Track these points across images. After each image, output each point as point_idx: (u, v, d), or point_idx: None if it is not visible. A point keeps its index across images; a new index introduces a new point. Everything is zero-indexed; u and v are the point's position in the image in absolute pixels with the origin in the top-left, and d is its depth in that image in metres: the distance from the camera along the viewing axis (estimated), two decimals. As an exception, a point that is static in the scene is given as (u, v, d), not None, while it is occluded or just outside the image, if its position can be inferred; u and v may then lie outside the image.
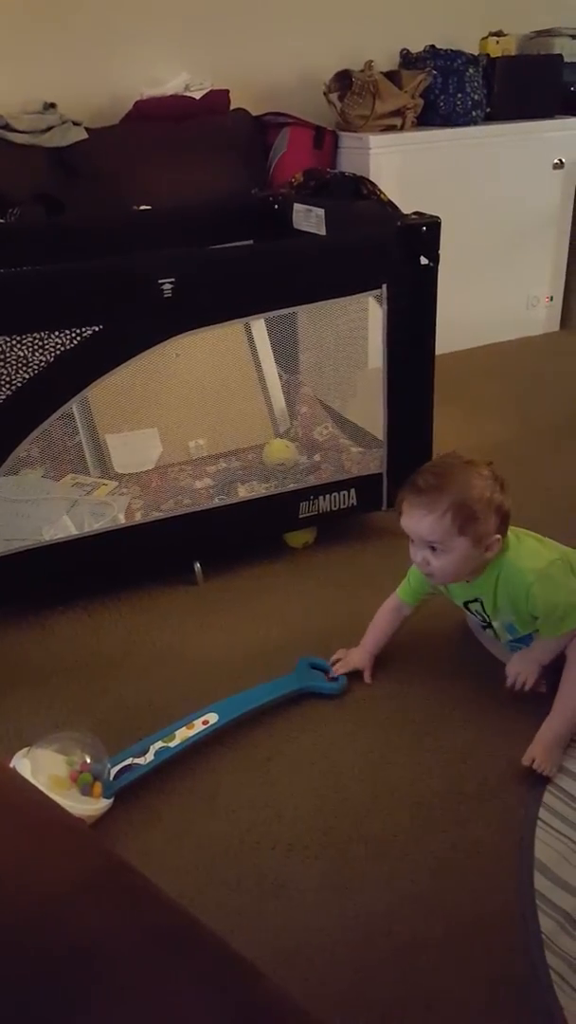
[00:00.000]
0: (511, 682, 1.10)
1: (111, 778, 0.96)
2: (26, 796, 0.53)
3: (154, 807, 0.98)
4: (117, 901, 0.43)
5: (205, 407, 1.50)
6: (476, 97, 2.32)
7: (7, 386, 1.17)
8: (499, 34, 2.51)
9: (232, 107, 2.23)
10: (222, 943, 0.42)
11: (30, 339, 1.16)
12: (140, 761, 0.99)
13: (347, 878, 0.89)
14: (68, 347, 1.18)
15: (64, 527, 1.32)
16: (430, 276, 1.35)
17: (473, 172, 2.32)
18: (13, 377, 1.17)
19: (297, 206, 1.63)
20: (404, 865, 0.90)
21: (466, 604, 1.13)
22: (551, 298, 2.60)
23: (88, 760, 0.95)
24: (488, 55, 2.41)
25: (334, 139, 2.30)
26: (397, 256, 1.33)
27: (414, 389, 1.43)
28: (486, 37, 2.51)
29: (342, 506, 1.46)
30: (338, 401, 1.68)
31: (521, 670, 1.09)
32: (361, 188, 1.85)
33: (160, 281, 1.19)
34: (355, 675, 1.16)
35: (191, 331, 1.25)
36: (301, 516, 1.44)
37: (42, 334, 1.16)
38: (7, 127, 1.97)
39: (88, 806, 0.92)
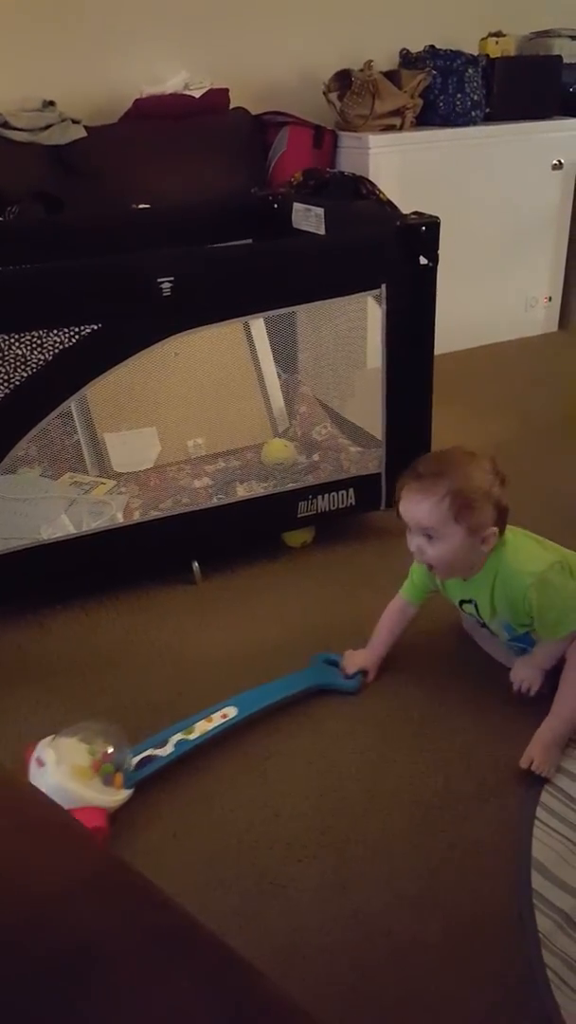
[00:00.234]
0: (516, 688, 1.10)
1: (132, 768, 0.97)
2: (24, 795, 0.53)
3: (153, 806, 0.98)
4: (116, 901, 0.43)
5: (204, 406, 1.50)
6: (475, 97, 2.32)
7: (5, 384, 1.17)
8: (498, 35, 2.51)
9: (232, 106, 2.23)
10: (221, 943, 0.42)
11: (28, 337, 1.16)
12: (160, 752, 0.99)
13: (345, 878, 0.89)
14: (67, 346, 1.18)
15: (62, 526, 1.32)
16: (429, 276, 1.35)
17: (472, 172, 2.33)
18: (11, 376, 1.17)
19: (296, 205, 1.63)
20: (402, 865, 0.90)
21: (461, 603, 1.13)
22: (550, 299, 2.61)
23: (110, 750, 0.95)
24: (487, 55, 2.41)
25: (333, 138, 2.30)
26: (396, 256, 1.33)
27: (413, 389, 1.43)
28: (485, 38, 2.51)
29: (340, 506, 1.46)
30: (337, 401, 1.68)
31: (525, 677, 1.09)
32: (360, 188, 1.85)
33: (159, 280, 1.19)
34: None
35: (190, 330, 1.25)
36: (299, 515, 1.44)
37: (40, 332, 1.16)
38: (6, 125, 1.97)
39: (109, 796, 0.92)
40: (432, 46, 2.34)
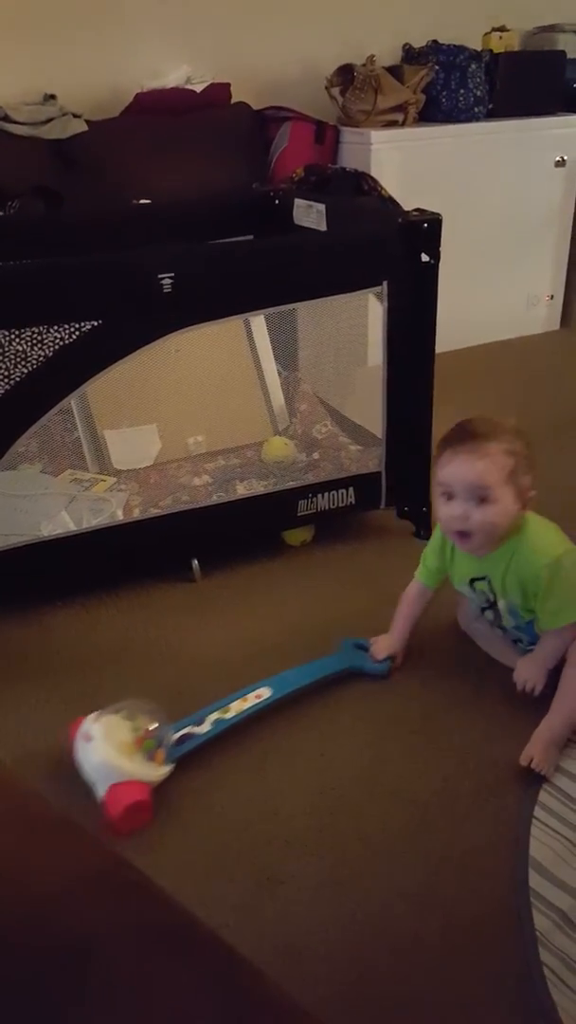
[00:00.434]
0: (520, 687, 1.10)
1: (173, 744, 1.00)
2: (22, 793, 0.53)
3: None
4: (116, 899, 0.43)
5: (204, 404, 1.50)
6: (478, 93, 2.30)
7: (5, 380, 1.17)
8: (502, 29, 2.49)
9: (233, 101, 2.22)
10: (221, 942, 0.42)
11: (29, 333, 1.15)
12: (198, 730, 1.02)
13: (344, 876, 0.89)
14: (67, 342, 1.17)
15: (62, 523, 1.32)
16: (431, 273, 1.35)
17: (474, 169, 2.31)
18: (11, 372, 1.16)
19: (298, 201, 1.63)
20: (401, 863, 0.90)
21: (472, 582, 1.12)
22: (551, 296, 2.60)
23: (152, 727, 0.98)
24: (491, 51, 2.39)
25: (335, 134, 2.29)
26: (398, 253, 1.32)
27: (414, 387, 1.42)
28: (489, 32, 2.49)
29: (340, 504, 1.46)
30: (337, 399, 1.68)
31: (529, 676, 1.09)
32: (362, 184, 1.84)
33: (160, 276, 1.18)
34: (352, 675, 1.16)
35: (190, 327, 1.24)
36: (299, 514, 1.44)
37: (41, 328, 1.15)
38: (6, 118, 1.96)
39: (152, 771, 0.96)
40: (435, 41, 2.33)
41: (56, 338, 1.17)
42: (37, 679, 1.19)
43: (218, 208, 1.70)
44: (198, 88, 2.15)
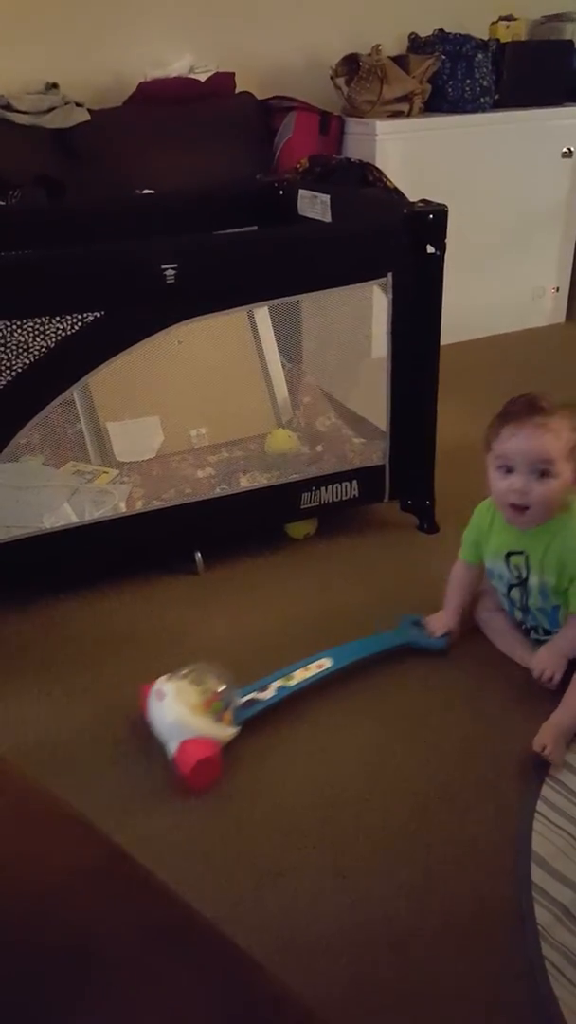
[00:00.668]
0: (537, 675, 1.09)
1: (239, 707, 1.03)
2: (22, 786, 0.53)
3: (150, 794, 0.98)
4: (117, 893, 0.43)
5: (207, 396, 1.49)
6: (485, 83, 2.28)
7: (7, 372, 1.16)
8: (509, 18, 2.46)
9: (237, 90, 2.20)
10: (222, 936, 0.41)
11: (31, 324, 1.15)
12: (262, 696, 1.06)
13: (345, 869, 0.89)
14: (69, 333, 1.16)
15: (65, 515, 1.32)
16: (436, 265, 1.33)
17: (481, 160, 2.29)
18: (13, 363, 1.16)
19: (302, 192, 1.61)
20: (402, 857, 0.90)
21: (508, 555, 1.12)
22: (557, 289, 2.58)
23: (220, 688, 1.02)
24: (498, 40, 2.37)
25: (340, 124, 2.27)
26: (403, 244, 1.31)
27: (418, 380, 1.41)
28: (496, 21, 2.47)
29: (344, 497, 1.45)
30: (341, 391, 1.67)
31: (548, 664, 1.09)
32: (367, 175, 1.82)
33: (163, 267, 1.17)
34: (352, 667, 1.16)
35: (194, 318, 1.23)
36: (303, 507, 1.43)
37: (43, 319, 1.15)
38: (8, 107, 1.94)
39: (221, 731, 1.00)
40: (441, 30, 2.30)
41: (58, 329, 1.16)
42: (39, 672, 1.19)
43: (222, 198, 1.69)
44: (202, 77, 2.13)
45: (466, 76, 2.25)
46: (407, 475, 1.48)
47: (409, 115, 2.23)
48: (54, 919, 0.39)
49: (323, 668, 1.11)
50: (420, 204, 1.33)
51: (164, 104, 2.08)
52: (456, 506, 1.50)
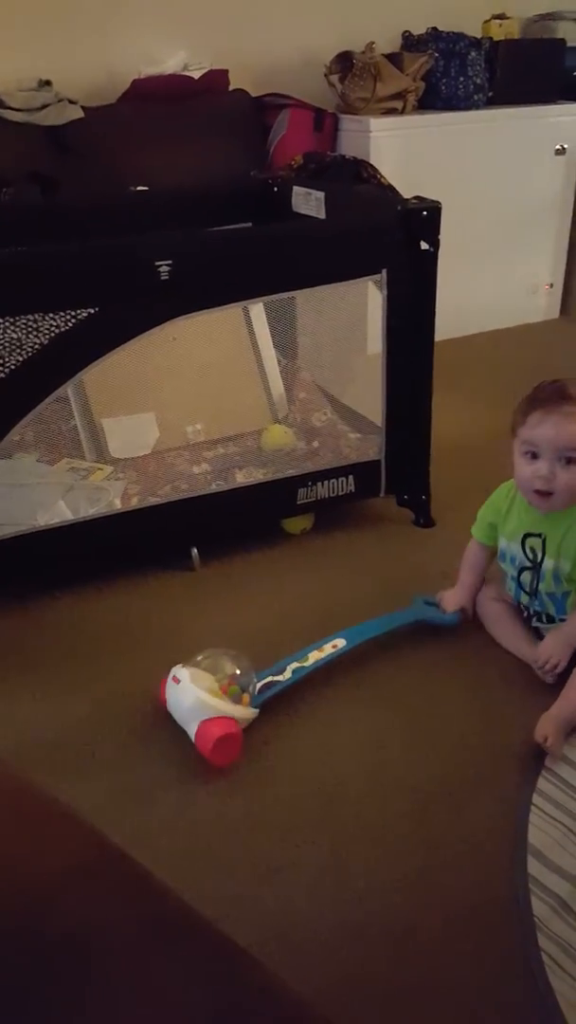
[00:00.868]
0: (542, 663, 1.09)
1: (256, 691, 1.05)
2: (16, 783, 0.53)
3: (148, 790, 0.98)
4: (111, 889, 0.42)
5: (203, 392, 1.49)
6: (478, 81, 2.28)
7: (1, 368, 1.16)
8: (502, 17, 2.47)
9: (231, 87, 2.20)
10: (218, 932, 0.41)
11: (24, 321, 1.14)
12: (280, 678, 1.08)
13: (343, 863, 0.89)
14: (63, 330, 1.16)
15: (60, 512, 1.31)
16: (430, 261, 1.33)
17: (474, 157, 2.30)
18: (7, 360, 1.15)
19: (296, 189, 1.61)
20: (400, 851, 0.90)
21: (525, 537, 1.12)
22: (551, 285, 2.59)
23: (236, 672, 1.04)
24: (491, 38, 2.37)
25: (334, 122, 2.27)
26: (397, 241, 1.31)
27: (413, 376, 1.41)
28: (489, 20, 2.47)
29: (340, 492, 1.45)
30: (337, 387, 1.67)
31: (554, 652, 1.08)
32: (361, 172, 1.82)
33: (157, 263, 1.17)
34: (351, 662, 1.16)
35: (188, 315, 1.23)
36: (299, 502, 1.43)
37: (36, 316, 1.14)
38: (1, 104, 1.94)
39: (241, 711, 1.01)
40: (435, 28, 2.30)
41: (52, 325, 1.16)
42: (36, 669, 1.19)
43: (216, 195, 1.69)
44: (196, 75, 2.13)
45: (459, 74, 2.26)
46: (403, 470, 1.48)
47: (403, 112, 2.24)
48: (47, 916, 0.39)
49: (337, 648, 1.12)
50: (414, 201, 1.33)
51: (158, 101, 2.07)
52: (452, 501, 1.51)
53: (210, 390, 1.50)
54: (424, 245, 1.32)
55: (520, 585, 1.15)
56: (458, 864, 0.89)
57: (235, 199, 1.68)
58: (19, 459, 1.40)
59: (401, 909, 0.84)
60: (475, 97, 2.29)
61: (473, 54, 2.26)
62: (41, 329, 1.15)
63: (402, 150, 2.18)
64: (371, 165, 1.88)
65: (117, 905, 0.41)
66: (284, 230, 1.47)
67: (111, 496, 1.36)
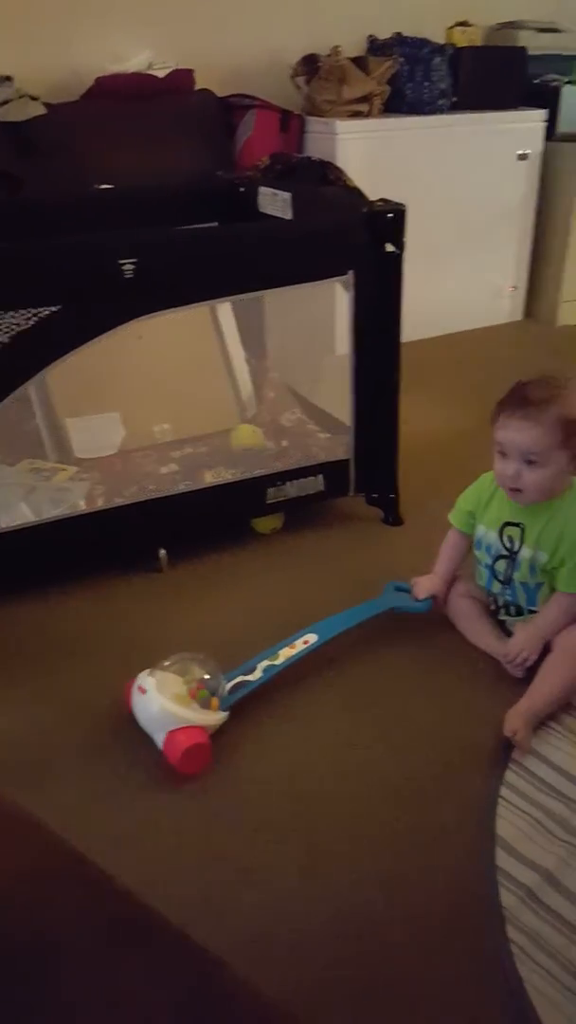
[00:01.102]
0: (512, 657, 1.10)
1: (226, 693, 1.04)
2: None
3: (119, 793, 0.96)
4: (69, 892, 0.42)
5: (170, 391, 1.47)
6: (442, 86, 2.32)
7: (-39, 367, 1.13)
8: (465, 24, 2.52)
9: (196, 87, 2.19)
10: (181, 933, 0.41)
11: (-16, 318, 1.12)
12: (250, 678, 1.06)
13: (315, 861, 0.89)
14: (23, 328, 1.14)
15: (21, 514, 1.29)
16: (396, 263, 1.35)
17: (439, 160, 2.33)
18: (-33, 358, 1.13)
19: (263, 189, 1.61)
20: (372, 846, 0.90)
21: (504, 526, 1.12)
22: (515, 287, 2.64)
23: (205, 676, 1.03)
24: (454, 45, 2.41)
25: (300, 123, 2.28)
26: (363, 242, 1.32)
27: (380, 376, 1.42)
28: (452, 27, 2.51)
29: (309, 492, 1.45)
30: (305, 387, 1.67)
31: (525, 647, 1.09)
32: (327, 173, 1.83)
33: (121, 262, 1.16)
34: (322, 661, 1.16)
35: (153, 313, 1.22)
36: (268, 502, 1.43)
37: (-3, 313, 1.12)
38: (-40, 100, 1.89)
39: (208, 717, 1.00)
40: (399, 33, 2.33)
41: (12, 324, 1.13)
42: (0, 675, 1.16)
43: (182, 195, 1.68)
44: (160, 73, 2.11)
45: (424, 79, 2.29)
46: (372, 469, 1.49)
47: (369, 115, 2.26)
48: (9, 923, 0.38)
49: (309, 644, 1.11)
50: (380, 203, 1.34)
51: (123, 99, 2.05)
52: (420, 499, 1.53)
53: (178, 389, 1.49)
54: (389, 247, 1.33)
55: (494, 573, 1.16)
56: (429, 857, 0.89)
57: (201, 198, 1.67)
58: (-20, 460, 1.36)
59: (372, 904, 0.84)
60: (439, 102, 2.33)
61: (437, 60, 2.30)
62: (1, 327, 1.13)
63: (368, 153, 2.19)
64: (337, 167, 1.89)
65: (74, 907, 0.41)
66: (250, 230, 1.47)
67: (75, 497, 1.34)
